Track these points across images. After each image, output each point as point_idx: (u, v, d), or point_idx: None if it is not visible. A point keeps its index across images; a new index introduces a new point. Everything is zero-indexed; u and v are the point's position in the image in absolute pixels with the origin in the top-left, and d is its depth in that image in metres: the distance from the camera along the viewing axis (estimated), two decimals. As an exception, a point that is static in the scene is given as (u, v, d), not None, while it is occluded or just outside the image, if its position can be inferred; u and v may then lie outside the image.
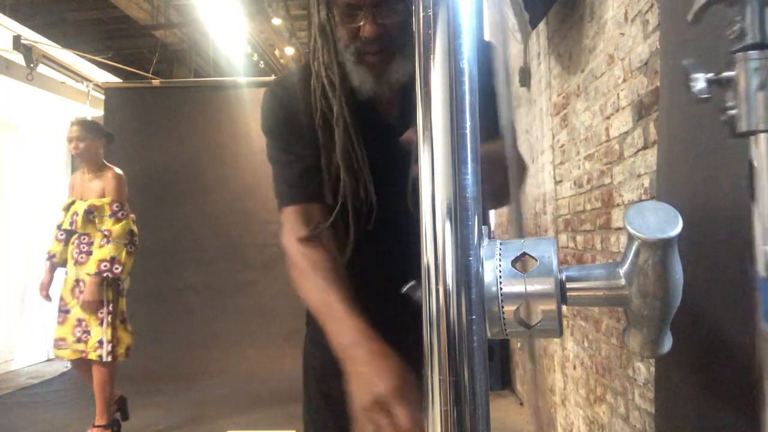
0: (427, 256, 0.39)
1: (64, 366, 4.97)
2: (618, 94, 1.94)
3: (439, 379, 0.38)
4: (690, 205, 1.20)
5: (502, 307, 0.41)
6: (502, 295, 0.41)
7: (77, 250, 3.09)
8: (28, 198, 5.41)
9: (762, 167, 0.49)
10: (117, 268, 3.03)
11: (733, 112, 0.50)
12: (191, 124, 5.36)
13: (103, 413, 3.06)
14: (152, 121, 5.39)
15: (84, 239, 3.09)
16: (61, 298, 3.10)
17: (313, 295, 0.95)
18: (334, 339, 0.86)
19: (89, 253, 3.06)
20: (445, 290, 0.38)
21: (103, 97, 5.51)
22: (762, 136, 0.49)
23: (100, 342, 2.98)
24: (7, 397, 4.31)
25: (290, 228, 1.02)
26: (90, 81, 5.58)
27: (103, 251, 3.01)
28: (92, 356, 2.98)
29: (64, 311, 3.08)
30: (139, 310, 4.98)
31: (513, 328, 0.42)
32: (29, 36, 5.16)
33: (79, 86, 5.62)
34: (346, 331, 0.85)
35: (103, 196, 3.11)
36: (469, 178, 0.39)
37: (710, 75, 0.51)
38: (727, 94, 0.51)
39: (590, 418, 2.35)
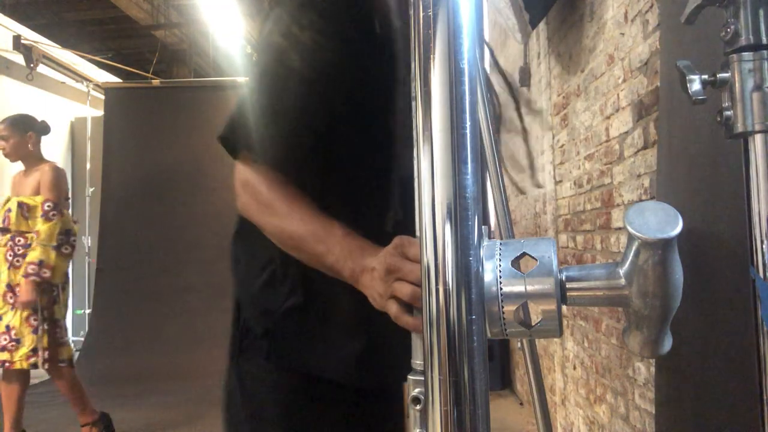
0: (427, 256, 0.39)
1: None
2: (618, 94, 1.94)
3: (439, 379, 0.38)
4: (690, 205, 1.20)
5: (502, 307, 0.41)
6: (502, 295, 0.41)
7: (11, 253, 2.86)
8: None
9: (759, 168, 0.49)
10: (45, 273, 2.81)
11: (728, 113, 0.50)
12: (191, 124, 5.36)
13: (83, 412, 2.98)
14: (152, 121, 5.40)
15: (19, 240, 2.88)
16: None
17: (301, 225, 0.83)
18: (340, 263, 0.77)
19: (24, 257, 2.85)
20: (445, 290, 0.38)
21: (103, 97, 5.52)
22: (758, 136, 0.49)
23: (34, 350, 2.80)
24: None
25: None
26: (90, 81, 5.59)
27: (32, 254, 2.83)
28: (23, 365, 2.79)
29: None
30: (139, 310, 5.00)
31: (513, 328, 0.42)
32: (29, 36, 5.17)
33: (79, 86, 5.63)
34: (354, 251, 0.76)
35: (37, 192, 2.92)
36: (469, 178, 0.39)
37: (705, 76, 0.51)
38: (723, 96, 0.51)
39: (590, 418, 2.35)
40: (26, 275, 2.78)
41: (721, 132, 0.52)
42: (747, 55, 0.49)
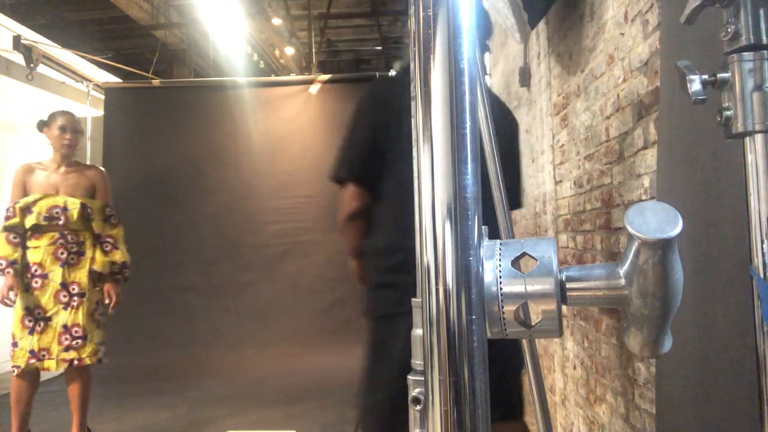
0: (427, 256, 0.39)
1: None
2: (618, 94, 1.94)
3: (439, 379, 0.38)
4: (690, 205, 1.20)
5: (502, 307, 0.41)
6: (502, 295, 0.41)
7: (63, 251, 2.83)
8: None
9: (758, 168, 0.49)
10: (126, 273, 3.02)
11: (728, 113, 0.50)
12: (191, 124, 5.36)
13: (84, 424, 2.92)
14: (152, 121, 5.40)
15: (72, 239, 2.85)
16: (37, 306, 2.78)
17: None
18: None
19: (81, 254, 2.87)
20: (445, 290, 0.38)
21: (103, 97, 5.52)
22: (758, 136, 0.49)
23: (100, 344, 2.88)
24: (7, 397, 4.30)
25: None
26: (90, 81, 5.58)
27: (116, 255, 2.96)
28: (91, 361, 2.83)
29: (43, 319, 2.78)
30: (139, 310, 4.99)
31: (513, 328, 0.42)
32: (29, 36, 5.17)
33: (79, 86, 5.62)
34: None
35: (91, 194, 2.94)
36: (469, 178, 0.39)
37: (705, 76, 0.51)
38: (723, 96, 0.51)
39: (590, 418, 2.35)
40: (111, 273, 2.94)
41: (721, 132, 0.52)
42: (747, 55, 0.49)
